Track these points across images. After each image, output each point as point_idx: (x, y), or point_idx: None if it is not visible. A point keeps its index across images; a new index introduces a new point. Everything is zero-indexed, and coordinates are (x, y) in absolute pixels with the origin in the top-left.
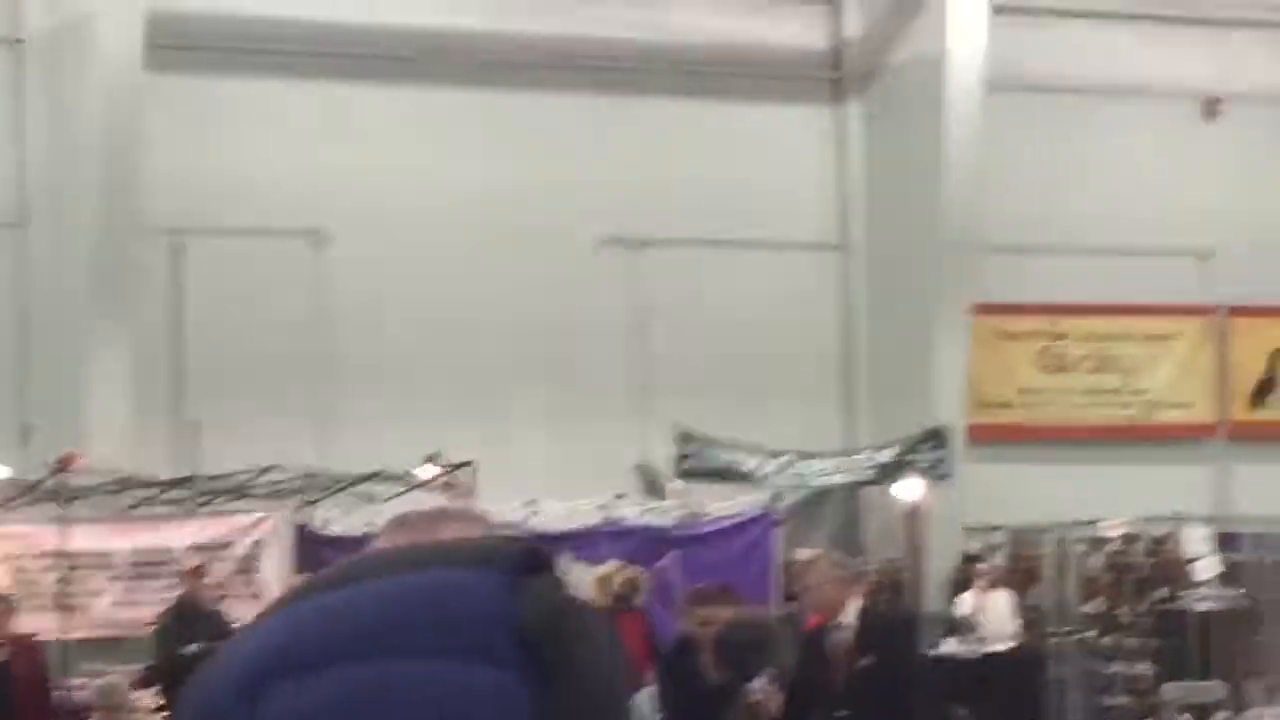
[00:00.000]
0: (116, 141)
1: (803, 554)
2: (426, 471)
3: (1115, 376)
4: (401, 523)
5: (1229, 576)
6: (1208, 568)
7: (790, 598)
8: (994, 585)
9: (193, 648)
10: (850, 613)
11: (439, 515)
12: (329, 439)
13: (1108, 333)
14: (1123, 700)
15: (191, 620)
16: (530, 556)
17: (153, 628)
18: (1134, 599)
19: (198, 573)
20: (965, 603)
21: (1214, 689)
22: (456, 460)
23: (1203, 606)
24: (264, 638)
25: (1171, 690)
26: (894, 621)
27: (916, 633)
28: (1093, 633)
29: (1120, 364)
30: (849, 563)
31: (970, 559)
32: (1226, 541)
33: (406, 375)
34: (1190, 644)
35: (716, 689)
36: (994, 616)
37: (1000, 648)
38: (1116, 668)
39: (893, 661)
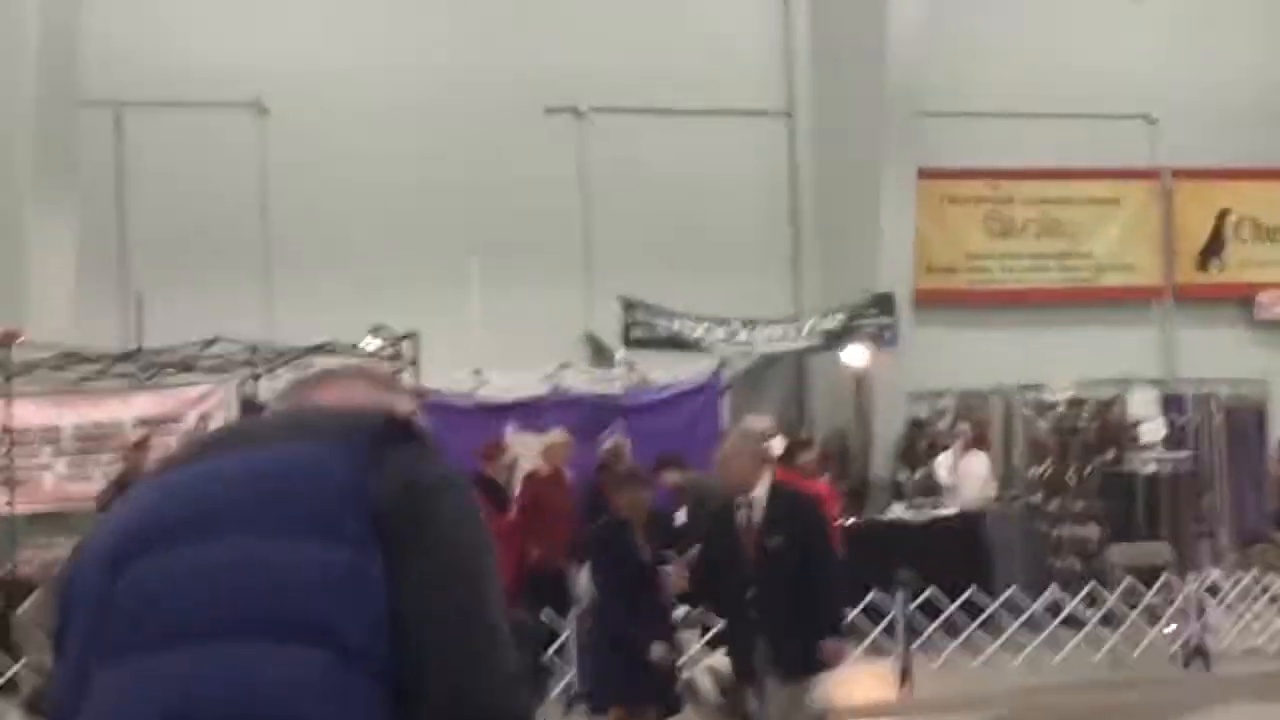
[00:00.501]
0: (55, 14)
1: (751, 422)
2: (372, 343)
3: (1061, 240)
4: (297, 383)
5: (1175, 438)
6: (1153, 430)
7: None
8: (971, 447)
9: None
10: (761, 490)
11: (335, 375)
12: (274, 311)
13: (1053, 196)
14: (1069, 562)
15: None
16: (392, 428)
17: (97, 502)
18: (1080, 462)
19: (142, 446)
20: (943, 465)
21: (1160, 550)
22: (401, 331)
23: (1149, 469)
24: (130, 512)
25: (1118, 552)
26: (802, 502)
27: (824, 514)
28: (1039, 496)
29: (1066, 228)
30: (764, 438)
31: (918, 424)
32: (1172, 403)
33: (351, 246)
34: (1136, 506)
35: (647, 566)
36: (970, 479)
37: (951, 511)
38: (1063, 530)
39: (801, 543)
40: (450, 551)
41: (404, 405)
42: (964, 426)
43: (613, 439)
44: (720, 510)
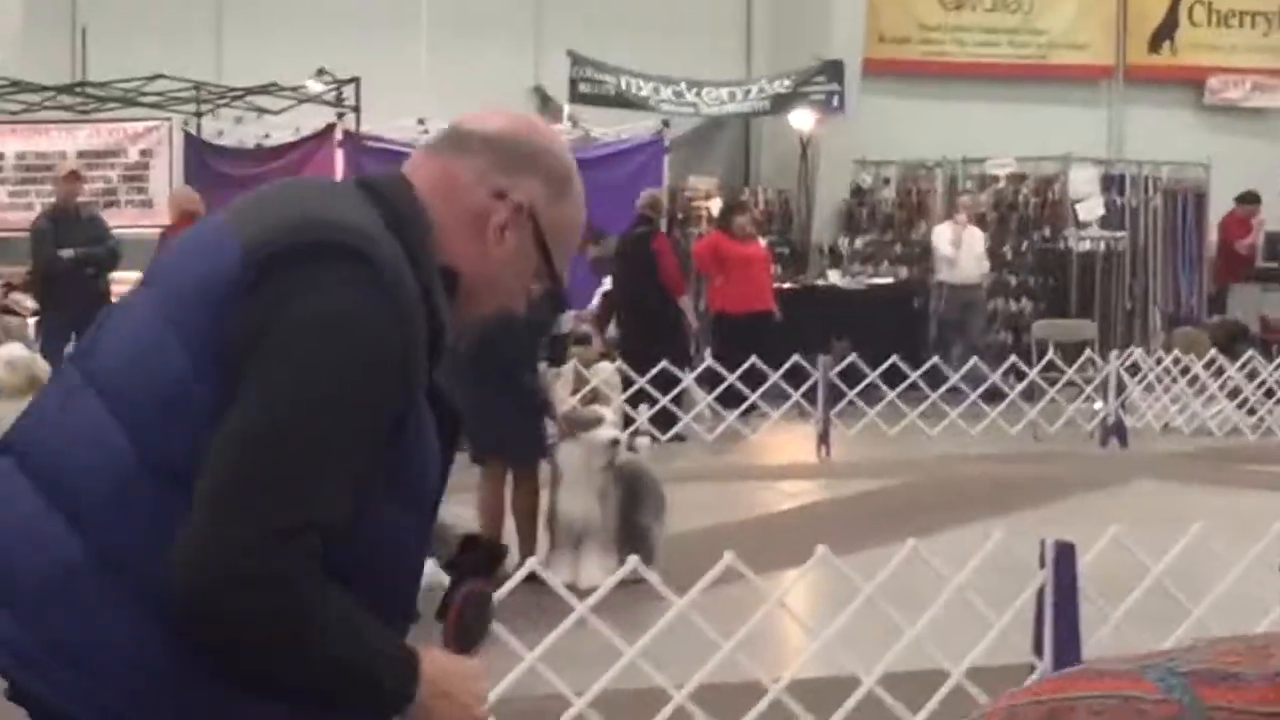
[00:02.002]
0: None
1: (695, 181)
2: (316, 86)
3: (1015, 15)
4: (421, 149)
5: (1112, 218)
6: (1092, 208)
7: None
8: (971, 221)
9: (68, 252)
10: None
11: (452, 147)
12: (219, 49)
13: None
14: (1000, 336)
15: (67, 225)
16: (296, 250)
17: (31, 229)
18: (1018, 237)
19: (73, 178)
20: (942, 237)
21: (1084, 327)
22: (345, 75)
23: (1084, 246)
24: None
25: (1042, 327)
26: None
27: None
28: None
29: (1021, 3)
30: None
31: (860, 192)
32: (1113, 183)
33: None
34: (1070, 283)
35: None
36: (968, 253)
37: (965, 280)
38: (997, 304)
39: None
40: (266, 395)
41: (522, 191)
42: (966, 199)
43: (649, 192)
44: None
